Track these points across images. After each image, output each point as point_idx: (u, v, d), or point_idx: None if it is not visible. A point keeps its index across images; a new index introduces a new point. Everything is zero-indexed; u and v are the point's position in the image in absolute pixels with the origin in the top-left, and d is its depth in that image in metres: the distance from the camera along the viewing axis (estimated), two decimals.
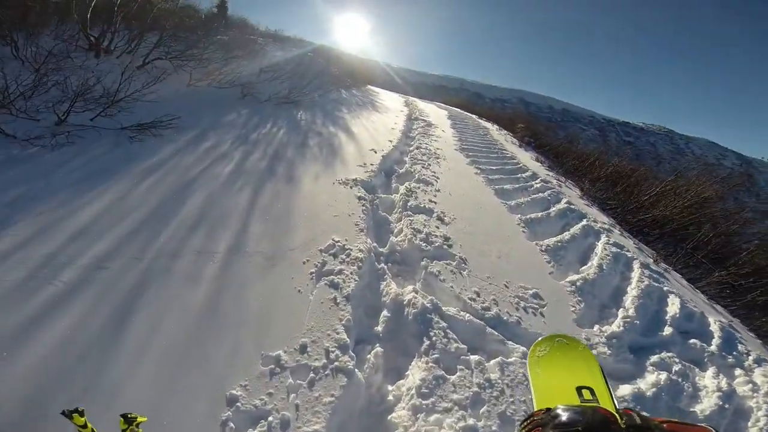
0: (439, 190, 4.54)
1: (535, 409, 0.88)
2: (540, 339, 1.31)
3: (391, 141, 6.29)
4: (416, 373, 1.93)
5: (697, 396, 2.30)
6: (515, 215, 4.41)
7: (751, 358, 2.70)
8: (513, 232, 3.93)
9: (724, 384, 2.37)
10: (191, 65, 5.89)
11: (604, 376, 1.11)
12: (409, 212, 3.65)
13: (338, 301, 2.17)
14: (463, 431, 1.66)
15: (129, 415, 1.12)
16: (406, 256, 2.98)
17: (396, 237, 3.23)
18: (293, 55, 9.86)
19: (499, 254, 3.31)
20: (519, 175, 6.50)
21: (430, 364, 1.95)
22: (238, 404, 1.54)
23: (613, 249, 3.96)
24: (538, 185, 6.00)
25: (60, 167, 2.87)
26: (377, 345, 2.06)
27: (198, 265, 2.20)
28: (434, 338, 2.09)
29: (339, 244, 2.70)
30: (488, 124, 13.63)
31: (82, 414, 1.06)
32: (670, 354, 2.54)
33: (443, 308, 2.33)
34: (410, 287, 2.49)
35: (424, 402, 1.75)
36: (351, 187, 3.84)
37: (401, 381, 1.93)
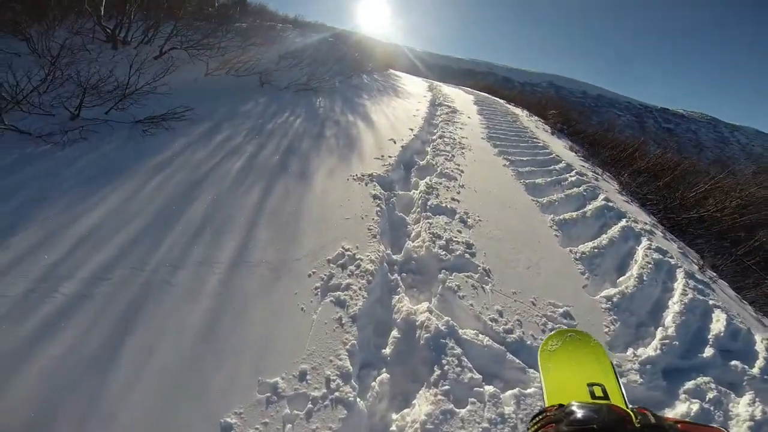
0: (463, 186, 4.23)
1: (546, 405, 0.86)
2: (552, 333, 1.27)
3: (412, 129, 5.96)
4: (423, 405, 1.76)
5: (725, 425, 2.05)
6: (547, 215, 4.04)
7: None
8: (545, 237, 3.58)
9: (758, 413, 2.10)
10: (208, 54, 5.76)
11: (616, 374, 1.10)
12: (429, 213, 3.39)
13: (343, 321, 1.99)
14: None
15: None
16: (422, 265, 2.75)
17: (413, 242, 2.99)
18: (313, 41, 9.53)
19: (528, 264, 3.00)
20: (552, 167, 6.01)
21: (439, 396, 1.77)
22: None
23: (655, 255, 3.55)
24: (573, 178, 5.52)
25: (70, 165, 2.83)
26: (383, 370, 1.89)
27: (199, 278, 2.08)
28: (446, 367, 1.88)
29: (349, 253, 2.50)
30: (518, 110, 12.83)
31: None
32: (706, 379, 2.26)
33: (460, 331, 2.10)
34: (424, 305, 2.26)
35: None
36: (366, 184, 3.62)
37: (406, 410, 1.77)
